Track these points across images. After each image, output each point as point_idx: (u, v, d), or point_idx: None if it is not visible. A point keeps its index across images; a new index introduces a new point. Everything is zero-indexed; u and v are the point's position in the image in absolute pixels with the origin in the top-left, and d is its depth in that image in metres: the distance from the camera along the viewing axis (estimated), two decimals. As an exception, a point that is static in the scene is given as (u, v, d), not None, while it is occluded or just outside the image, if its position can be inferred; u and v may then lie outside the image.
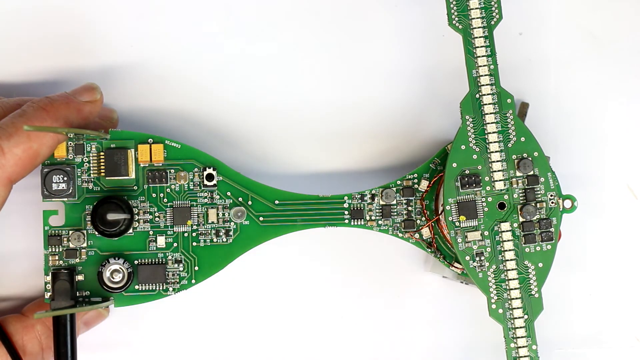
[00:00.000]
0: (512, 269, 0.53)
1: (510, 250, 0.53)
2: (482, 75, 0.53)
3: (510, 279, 0.53)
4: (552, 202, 0.53)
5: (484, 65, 0.53)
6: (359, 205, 0.54)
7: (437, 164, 0.54)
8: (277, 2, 0.57)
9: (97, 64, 0.56)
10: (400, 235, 0.54)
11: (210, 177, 0.53)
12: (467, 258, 0.53)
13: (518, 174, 0.53)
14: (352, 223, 0.54)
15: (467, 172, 0.53)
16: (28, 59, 0.56)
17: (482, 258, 0.53)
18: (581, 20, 0.57)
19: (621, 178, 0.58)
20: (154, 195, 0.53)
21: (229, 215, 0.54)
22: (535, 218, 0.53)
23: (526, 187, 0.53)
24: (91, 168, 0.53)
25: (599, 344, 0.58)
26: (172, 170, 0.53)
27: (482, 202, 0.53)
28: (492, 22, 0.53)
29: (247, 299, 0.57)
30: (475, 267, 0.53)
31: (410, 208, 0.54)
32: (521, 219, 0.53)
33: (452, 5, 0.53)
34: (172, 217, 0.53)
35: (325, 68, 0.57)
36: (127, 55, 0.56)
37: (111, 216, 0.52)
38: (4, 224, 0.56)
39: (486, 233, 0.53)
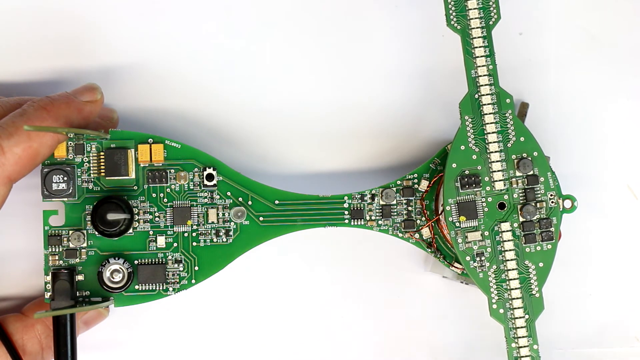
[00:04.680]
0: (513, 269, 0.53)
1: (510, 250, 0.53)
2: (480, 76, 0.53)
3: (511, 279, 0.53)
4: (552, 202, 0.53)
5: (483, 66, 0.53)
6: (359, 205, 0.54)
7: (437, 164, 0.54)
8: (277, 2, 0.57)
9: (97, 64, 0.56)
10: (400, 235, 0.54)
11: (210, 177, 0.53)
12: (468, 258, 0.53)
13: (518, 174, 0.53)
14: (352, 223, 0.54)
15: (467, 172, 0.53)
16: (28, 59, 0.56)
17: (483, 258, 0.53)
18: (581, 20, 0.57)
19: (621, 178, 0.58)
20: (154, 195, 0.53)
21: (229, 215, 0.54)
22: (535, 218, 0.53)
23: (526, 187, 0.53)
24: (91, 168, 0.53)
25: (599, 344, 0.58)
26: (172, 170, 0.53)
27: (482, 202, 0.53)
28: (491, 22, 0.53)
29: (247, 299, 0.57)
30: (475, 267, 0.53)
31: (410, 208, 0.54)
32: (521, 219, 0.53)
33: (450, 6, 0.53)
34: (172, 217, 0.53)
35: (325, 68, 0.57)
36: (127, 55, 0.56)
37: (111, 216, 0.52)
38: (4, 224, 0.56)
39: (486, 233, 0.53)
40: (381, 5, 0.57)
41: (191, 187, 0.53)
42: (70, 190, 0.53)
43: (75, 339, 0.52)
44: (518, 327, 0.53)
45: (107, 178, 0.53)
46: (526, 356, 0.53)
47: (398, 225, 0.54)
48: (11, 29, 0.56)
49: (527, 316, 0.53)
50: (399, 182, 0.54)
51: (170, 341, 0.57)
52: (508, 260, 0.53)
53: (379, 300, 0.57)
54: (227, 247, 0.54)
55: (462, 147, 0.53)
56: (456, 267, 0.55)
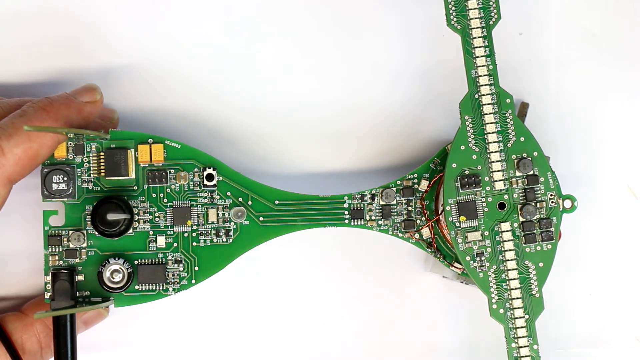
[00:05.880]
0: (513, 269, 0.53)
1: (510, 250, 0.53)
2: (480, 76, 0.53)
3: (511, 279, 0.53)
4: (552, 202, 0.53)
5: (483, 66, 0.53)
6: (359, 205, 0.54)
7: (437, 164, 0.54)
8: (277, 2, 0.57)
9: (97, 65, 0.56)
10: (400, 235, 0.54)
11: (210, 177, 0.53)
12: (468, 258, 0.53)
13: (518, 173, 0.53)
14: (352, 223, 0.54)
15: (466, 172, 0.53)
16: (28, 59, 0.56)
17: (483, 258, 0.53)
18: (581, 20, 0.57)
19: (621, 178, 0.58)
20: (154, 195, 0.53)
21: (229, 215, 0.54)
22: (535, 218, 0.53)
23: (526, 187, 0.53)
24: (91, 168, 0.53)
25: (599, 343, 0.58)
26: (172, 170, 0.53)
27: (482, 202, 0.53)
28: (491, 22, 0.53)
29: (247, 299, 0.57)
30: (475, 267, 0.53)
31: (410, 208, 0.54)
32: (521, 219, 0.53)
33: (450, 6, 0.53)
34: (172, 217, 0.53)
35: (325, 68, 0.57)
36: (127, 55, 0.56)
37: (111, 216, 0.52)
38: (4, 224, 0.56)
39: (486, 233, 0.53)
40: (381, 5, 0.57)
41: (191, 187, 0.53)
42: (70, 191, 0.53)
43: (75, 339, 0.52)
44: (518, 327, 0.53)
45: (107, 178, 0.53)
46: (526, 356, 0.53)
47: (398, 225, 0.54)
48: (11, 29, 0.56)
49: (527, 316, 0.53)
50: (399, 182, 0.54)
51: (170, 341, 0.57)
52: (508, 260, 0.53)
53: (379, 300, 0.57)
54: (227, 247, 0.54)
55: (462, 147, 0.53)
56: (456, 267, 0.55)
